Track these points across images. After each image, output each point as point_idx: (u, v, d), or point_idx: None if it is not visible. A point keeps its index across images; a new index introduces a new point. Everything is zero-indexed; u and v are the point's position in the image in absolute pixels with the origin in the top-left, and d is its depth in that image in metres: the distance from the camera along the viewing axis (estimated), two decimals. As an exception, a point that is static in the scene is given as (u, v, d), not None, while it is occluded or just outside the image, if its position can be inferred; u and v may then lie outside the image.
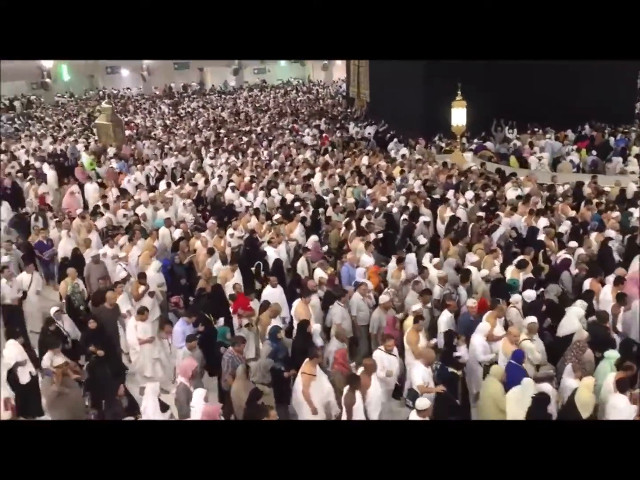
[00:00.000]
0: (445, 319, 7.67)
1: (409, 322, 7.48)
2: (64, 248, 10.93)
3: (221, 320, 8.35)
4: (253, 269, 9.80)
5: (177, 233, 11.49)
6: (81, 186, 15.22)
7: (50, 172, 16.53)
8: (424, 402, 5.55)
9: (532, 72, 18.23)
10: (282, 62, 41.55)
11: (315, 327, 7.63)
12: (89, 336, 7.80)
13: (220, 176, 15.55)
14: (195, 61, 38.68)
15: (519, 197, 12.20)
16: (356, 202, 13.13)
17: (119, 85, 41.59)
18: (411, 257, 9.50)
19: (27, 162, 18.14)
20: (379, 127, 22.15)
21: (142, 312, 7.83)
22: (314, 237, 10.47)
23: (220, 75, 42.18)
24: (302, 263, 9.62)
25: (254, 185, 14.67)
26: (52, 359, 6.87)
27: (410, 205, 12.22)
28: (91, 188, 14.86)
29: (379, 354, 6.94)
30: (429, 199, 12.35)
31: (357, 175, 15.30)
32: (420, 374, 6.48)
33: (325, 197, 13.63)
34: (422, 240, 10.06)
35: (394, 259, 9.25)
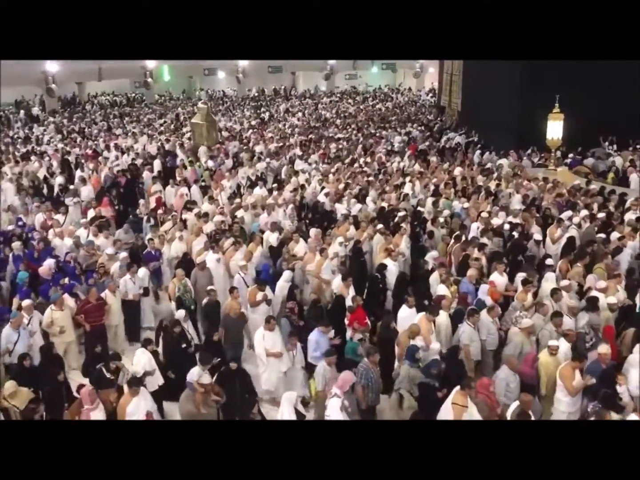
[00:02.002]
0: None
1: (545, 356, 6.98)
2: (177, 249, 10.95)
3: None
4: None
5: (273, 238, 11.41)
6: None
7: (147, 173, 16.77)
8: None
9: (636, 85, 17.14)
10: (374, 69, 41.17)
11: (434, 346, 7.30)
12: (211, 347, 7.68)
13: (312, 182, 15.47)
14: (288, 65, 38.93)
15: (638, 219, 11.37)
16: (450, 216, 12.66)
17: (215, 87, 42.40)
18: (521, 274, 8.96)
19: (133, 160, 18.43)
20: (470, 137, 21.50)
21: (269, 321, 7.63)
22: (434, 253, 10.06)
23: (312, 80, 42.31)
24: (435, 277, 9.12)
25: (347, 192, 14.42)
26: (201, 375, 6.68)
27: (514, 221, 11.67)
28: (197, 190, 14.88)
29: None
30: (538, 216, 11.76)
31: (452, 186, 14.82)
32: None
33: (421, 209, 13.24)
34: (549, 261, 9.44)
35: (517, 280, 8.75)
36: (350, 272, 9.21)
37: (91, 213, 12.96)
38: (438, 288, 8.66)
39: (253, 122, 27.25)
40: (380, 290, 9.34)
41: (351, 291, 8.69)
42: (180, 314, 8.10)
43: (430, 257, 9.95)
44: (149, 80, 34.55)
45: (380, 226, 11.36)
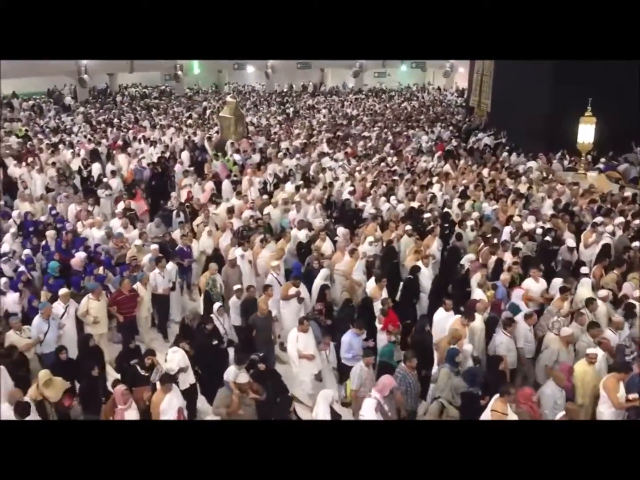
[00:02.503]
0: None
1: (582, 366, 6.77)
2: (204, 245, 10.88)
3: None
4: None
5: (301, 235, 11.27)
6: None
7: (178, 166, 16.72)
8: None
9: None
10: (403, 67, 40.74)
11: (467, 348, 7.12)
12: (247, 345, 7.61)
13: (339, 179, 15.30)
14: (317, 61, 38.57)
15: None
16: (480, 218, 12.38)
17: (244, 81, 42.32)
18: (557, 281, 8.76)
19: (162, 152, 18.34)
20: (498, 138, 21.15)
21: (302, 322, 7.51)
22: (471, 256, 9.87)
23: (341, 77, 42.07)
24: (477, 279, 8.85)
25: (373, 191, 14.24)
26: (237, 375, 6.56)
27: (547, 225, 11.40)
28: (228, 185, 14.78)
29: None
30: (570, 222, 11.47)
31: (481, 188, 14.55)
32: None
33: (448, 210, 13.03)
34: (584, 269, 9.19)
35: (554, 286, 8.53)
36: (383, 274, 9.04)
37: (121, 205, 12.97)
38: (474, 292, 8.47)
39: (279, 118, 27.12)
40: (414, 293, 9.16)
41: (384, 293, 8.54)
42: (215, 308, 8.02)
43: (467, 260, 9.73)
44: (179, 73, 34.71)
45: (408, 227, 11.20)
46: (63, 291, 8.26)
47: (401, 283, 9.78)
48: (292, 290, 8.85)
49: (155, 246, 10.26)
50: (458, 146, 20.46)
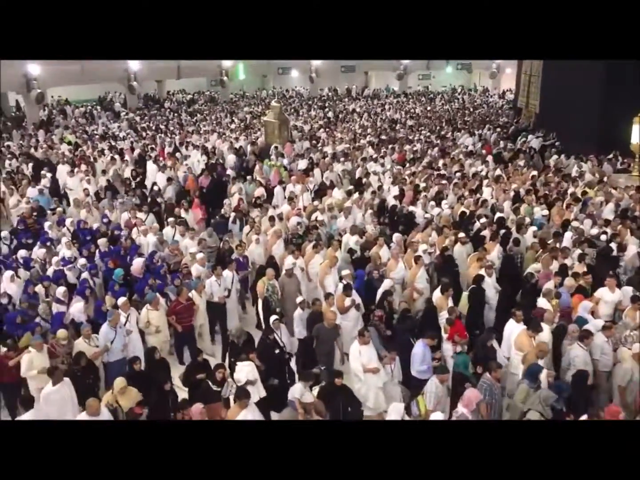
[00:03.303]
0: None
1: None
2: (253, 253, 10.84)
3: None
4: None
5: (352, 241, 11.07)
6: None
7: (229, 171, 16.74)
8: None
9: None
10: (448, 69, 40.15)
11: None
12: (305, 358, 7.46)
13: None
14: (361, 65, 38.62)
15: None
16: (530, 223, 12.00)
17: (288, 86, 42.45)
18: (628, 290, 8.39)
19: (208, 159, 18.44)
20: (547, 140, 20.54)
21: (363, 335, 7.25)
22: (537, 265, 9.53)
23: (385, 80, 41.80)
24: (549, 287, 8.48)
25: (423, 196, 13.96)
26: (303, 394, 6.43)
27: (609, 231, 10.94)
28: (281, 191, 14.69)
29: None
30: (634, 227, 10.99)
31: (533, 192, 14.11)
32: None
33: (499, 214, 12.65)
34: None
35: (624, 295, 8.15)
36: (450, 283, 8.79)
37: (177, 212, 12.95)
38: (539, 301, 8.15)
39: (320, 122, 26.91)
40: (481, 303, 8.89)
41: (450, 302, 8.32)
42: (272, 319, 7.90)
43: (534, 269, 9.40)
44: (225, 78, 34.96)
45: (462, 235, 10.91)
46: (122, 300, 8.28)
47: (463, 293, 9.48)
48: (348, 301, 8.69)
49: (201, 255, 10.22)
50: (505, 148, 19.95)
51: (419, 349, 7.18)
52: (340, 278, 9.32)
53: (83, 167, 16.56)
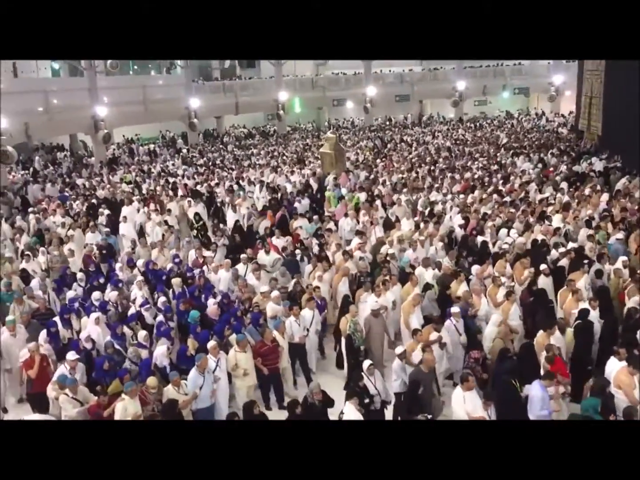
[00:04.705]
0: None
1: None
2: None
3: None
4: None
5: (429, 276, 10.56)
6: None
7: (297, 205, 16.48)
8: None
9: None
10: (505, 94, 39.40)
11: None
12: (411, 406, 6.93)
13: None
14: (415, 94, 38.52)
15: None
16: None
17: (343, 116, 42.55)
18: None
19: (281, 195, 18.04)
20: (611, 162, 19.62)
21: (467, 379, 6.72)
22: (637, 298, 8.87)
23: (440, 107, 41.39)
24: None
25: (492, 225, 13.37)
26: None
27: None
28: (346, 223, 14.34)
29: None
30: None
31: (609, 218, 13.32)
32: None
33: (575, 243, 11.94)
34: None
35: None
36: (552, 321, 8.24)
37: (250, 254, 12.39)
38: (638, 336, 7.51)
39: (366, 154, 26.36)
40: (590, 338, 8.29)
41: (552, 340, 7.76)
42: (366, 365, 7.43)
43: (635, 302, 8.73)
44: (281, 112, 35.34)
45: (544, 266, 10.27)
46: (212, 344, 7.98)
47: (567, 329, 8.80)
48: (434, 336, 8.25)
49: (276, 293, 9.80)
50: (568, 172, 19.13)
51: (538, 392, 6.61)
52: (425, 317, 8.88)
53: (152, 206, 16.56)
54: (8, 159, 21.33)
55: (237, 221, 15.15)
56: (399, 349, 7.71)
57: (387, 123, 39.65)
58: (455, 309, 8.57)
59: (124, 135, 35.44)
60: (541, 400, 6.55)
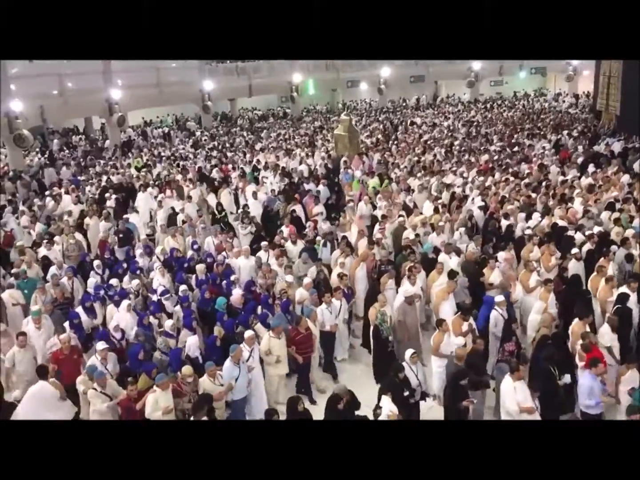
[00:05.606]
0: None
1: None
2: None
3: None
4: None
5: (453, 262, 10.23)
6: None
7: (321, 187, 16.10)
8: None
9: None
10: (522, 74, 38.36)
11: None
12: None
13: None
14: (430, 74, 37.60)
15: None
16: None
17: (357, 98, 41.73)
18: None
19: (299, 179, 17.66)
20: (630, 143, 19.09)
21: (518, 369, 6.35)
22: None
23: (455, 88, 40.42)
24: None
25: (513, 207, 12.99)
26: None
27: None
28: (365, 208, 13.91)
29: None
30: None
31: (632, 201, 12.91)
32: None
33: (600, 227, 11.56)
34: None
35: None
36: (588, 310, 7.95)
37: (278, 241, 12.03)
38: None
39: (379, 136, 25.75)
40: (629, 324, 7.99)
41: (587, 327, 7.52)
42: (408, 354, 7.13)
43: None
44: (295, 95, 34.79)
45: (575, 250, 9.95)
46: (250, 333, 7.70)
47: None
48: (465, 326, 7.99)
49: (308, 279, 9.59)
50: (586, 153, 18.63)
51: (587, 381, 6.39)
52: (457, 305, 8.63)
53: (168, 192, 16.07)
54: (24, 142, 21.06)
55: (266, 206, 14.77)
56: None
57: (403, 104, 38.89)
58: (499, 298, 8.27)
59: (143, 118, 34.99)
60: (589, 389, 6.32)
